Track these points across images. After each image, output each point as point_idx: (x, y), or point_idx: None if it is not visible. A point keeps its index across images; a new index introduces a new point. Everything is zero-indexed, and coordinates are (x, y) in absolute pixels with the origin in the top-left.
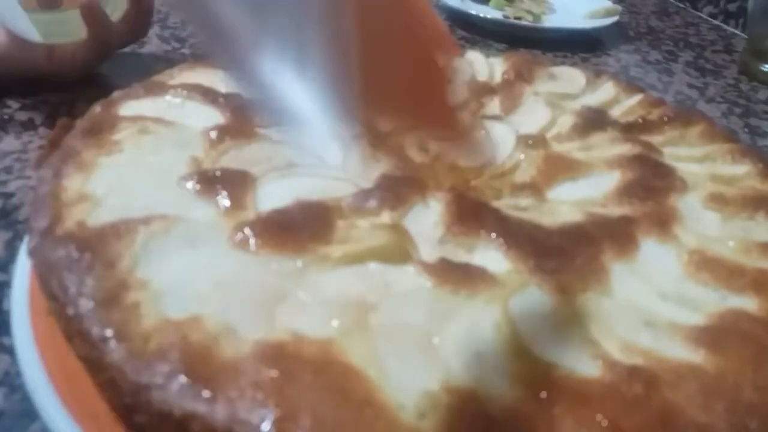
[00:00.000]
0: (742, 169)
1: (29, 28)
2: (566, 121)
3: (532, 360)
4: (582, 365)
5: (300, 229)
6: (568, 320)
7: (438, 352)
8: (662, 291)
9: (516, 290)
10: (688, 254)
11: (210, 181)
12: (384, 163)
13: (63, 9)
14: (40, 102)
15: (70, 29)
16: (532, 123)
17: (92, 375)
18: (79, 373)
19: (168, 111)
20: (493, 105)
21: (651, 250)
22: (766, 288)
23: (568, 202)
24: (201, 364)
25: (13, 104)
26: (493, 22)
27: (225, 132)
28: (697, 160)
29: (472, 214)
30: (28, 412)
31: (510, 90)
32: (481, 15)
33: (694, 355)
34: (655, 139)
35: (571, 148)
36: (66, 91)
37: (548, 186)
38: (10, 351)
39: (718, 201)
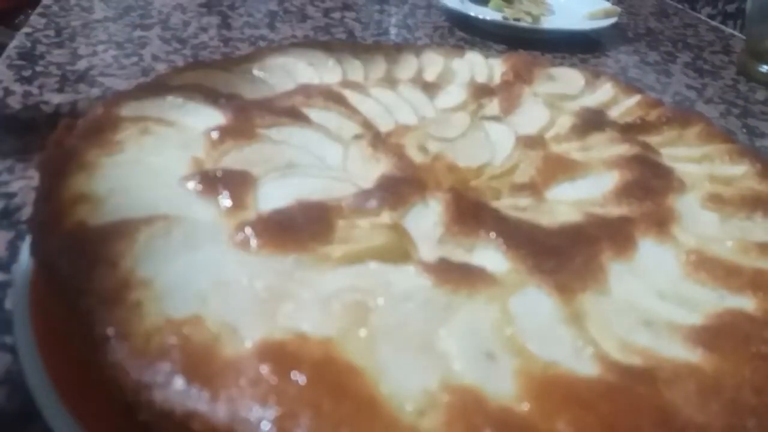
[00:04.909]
0: (740, 169)
1: None
2: (565, 122)
3: (531, 359)
4: (581, 364)
5: (300, 229)
6: (567, 320)
7: (437, 351)
8: (660, 291)
9: (515, 290)
10: (686, 254)
11: (211, 181)
12: (384, 163)
13: None
14: (42, 102)
15: None
16: (531, 124)
17: (93, 374)
18: (81, 372)
19: (169, 111)
20: (493, 106)
21: (649, 250)
22: (764, 288)
23: (567, 203)
24: (202, 363)
25: (15, 105)
26: (493, 24)
27: (226, 132)
28: (695, 161)
29: (471, 214)
30: (30, 411)
31: (509, 91)
32: (480, 16)
33: (692, 355)
34: (654, 139)
35: (570, 149)
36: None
37: (547, 186)
38: (11, 350)
39: (716, 201)
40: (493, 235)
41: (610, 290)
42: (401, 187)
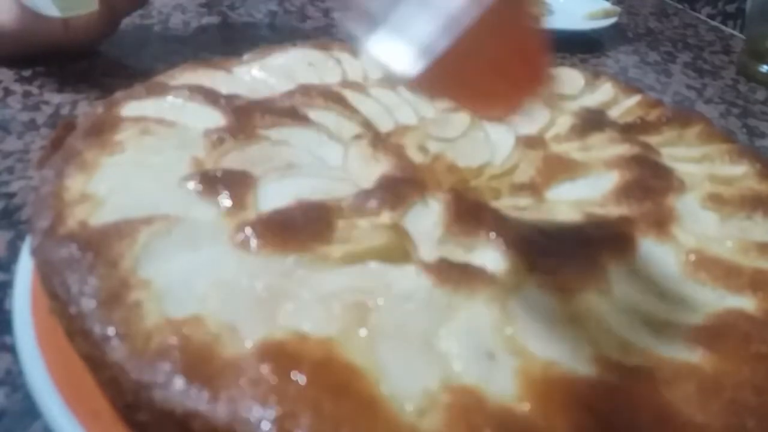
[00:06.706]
0: (740, 169)
1: (47, 3)
2: (565, 122)
3: (530, 359)
4: (581, 364)
5: (300, 229)
6: (567, 320)
7: (437, 351)
8: (661, 291)
9: (515, 290)
10: (686, 254)
11: (211, 181)
12: (384, 163)
13: None
14: (42, 102)
15: (84, 1)
16: (531, 124)
17: (94, 374)
18: (81, 371)
19: (170, 112)
20: None
21: (649, 250)
22: (764, 288)
23: (567, 203)
24: (202, 363)
25: (15, 105)
26: None
27: (226, 132)
28: (695, 161)
29: (471, 214)
30: (30, 411)
31: None
32: None
33: (692, 355)
34: (654, 139)
35: (570, 149)
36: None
37: (547, 186)
38: (11, 350)
39: (716, 201)
40: (493, 235)
41: (610, 290)
42: (401, 187)
